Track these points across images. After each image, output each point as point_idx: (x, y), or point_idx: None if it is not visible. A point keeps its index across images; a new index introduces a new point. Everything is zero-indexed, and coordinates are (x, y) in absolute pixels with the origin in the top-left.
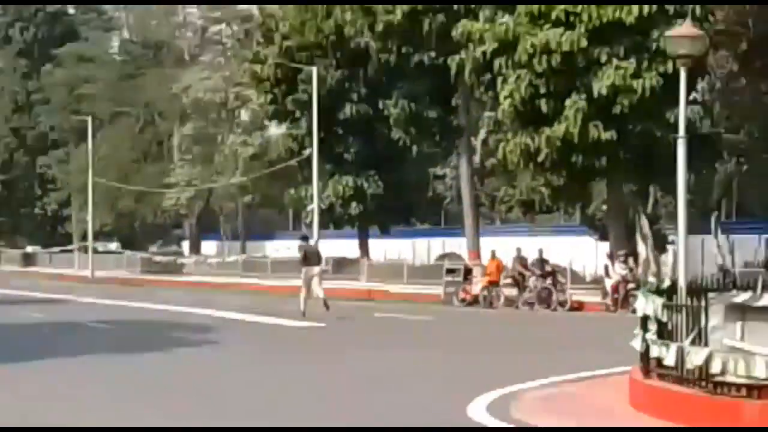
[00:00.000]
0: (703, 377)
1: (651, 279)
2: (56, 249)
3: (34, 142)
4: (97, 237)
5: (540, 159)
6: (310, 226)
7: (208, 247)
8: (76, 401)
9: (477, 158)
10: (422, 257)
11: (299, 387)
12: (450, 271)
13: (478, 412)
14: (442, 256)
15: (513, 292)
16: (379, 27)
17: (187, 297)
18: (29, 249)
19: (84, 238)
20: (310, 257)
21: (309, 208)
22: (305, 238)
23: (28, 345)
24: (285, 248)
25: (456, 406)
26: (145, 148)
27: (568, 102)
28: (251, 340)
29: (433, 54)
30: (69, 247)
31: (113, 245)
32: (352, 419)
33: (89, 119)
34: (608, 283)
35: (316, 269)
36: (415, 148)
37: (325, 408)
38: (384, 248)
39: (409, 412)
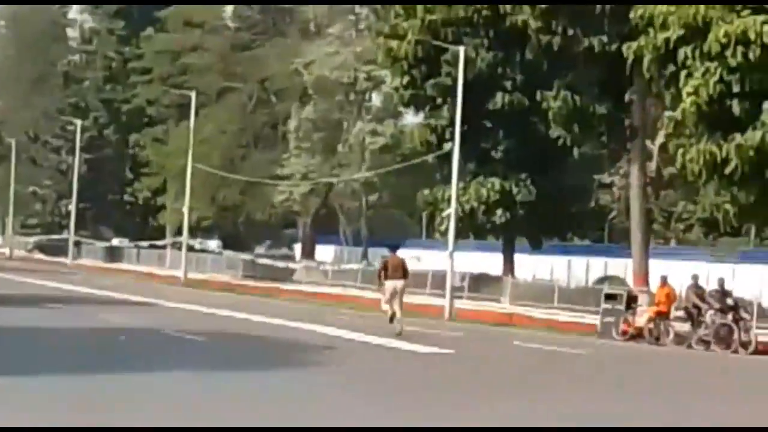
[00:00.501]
0: None
1: None
2: (145, 244)
3: (127, 117)
4: (194, 233)
5: (727, 171)
6: (445, 234)
7: (325, 251)
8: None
9: (653, 166)
10: (579, 279)
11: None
12: (610, 298)
13: None
14: (602, 279)
15: (685, 327)
16: (542, 3)
17: (294, 309)
18: (115, 242)
19: (179, 232)
20: (392, 269)
21: (445, 213)
22: (394, 248)
23: (99, 356)
24: (414, 258)
25: None
26: (257, 131)
27: (766, 105)
28: (357, 365)
29: (605, 38)
30: (160, 243)
31: (213, 243)
32: None
33: (193, 94)
34: None
35: (400, 283)
36: (577, 150)
37: None
38: (533, 266)
39: None
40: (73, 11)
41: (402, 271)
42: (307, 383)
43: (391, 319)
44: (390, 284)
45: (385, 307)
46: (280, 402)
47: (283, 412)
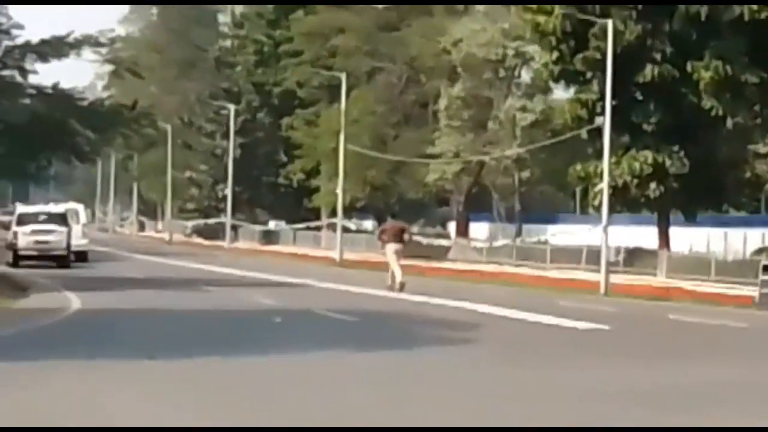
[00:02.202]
0: None
1: None
2: (301, 225)
3: (279, 100)
4: (349, 213)
5: None
6: (598, 209)
7: (478, 229)
8: (296, 402)
9: None
10: (736, 250)
11: (545, 398)
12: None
13: None
14: (760, 251)
15: None
16: None
17: (448, 287)
18: (272, 224)
19: (333, 213)
20: (390, 235)
21: (597, 187)
22: (393, 215)
23: (252, 336)
24: (567, 234)
25: None
26: (407, 110)
27: None
28: (511, 340)
29: (755, 7)
30: (315, 224)
31: (369, 223)
32: None
33: (343, 76)
34: None
35: (398, 246)
36: (730, 120)
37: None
38: (689, 238)
39: None
40: None
41: (400, 236)
42: (458, 360)
43: (393, 277)
44: (390, 247)
45: (393, 267)
46: (433, 381)
47: (436, 391)
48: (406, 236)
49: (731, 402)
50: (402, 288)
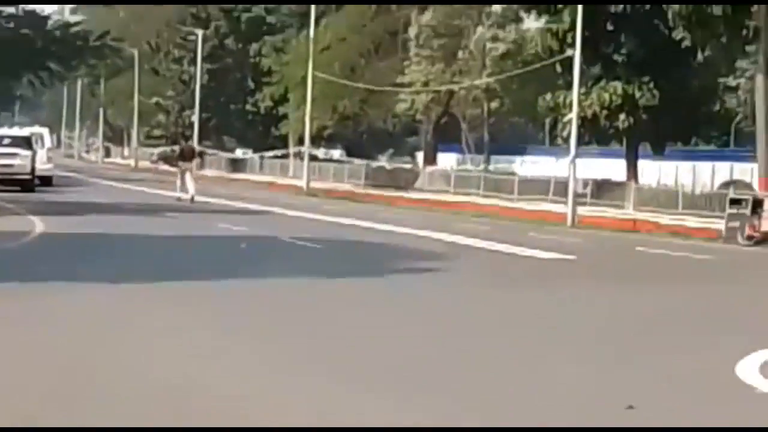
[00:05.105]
0: None
1: None
2: (269, 154)
3: (247, 26)
4: (317, 142)
5: None
6: (567, 140)
7: (447, 159)
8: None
9: None
10: (704, 184)
11: (518, 324)
12: (734, 202)
13: (748, 372)
14: (727, 184)
15: None
16: None
17: (416, 217)
18: (239, 153)
19: (301, 142)
20: (185, 154)
21: (566, 118)
22: (187, 138)
23: (222, 261)
24: (535, 165)
25: (722, 362)
26: (377, 39)
27: None
28: (481, 269)
29: None
30: (283, 152)
31: (337, 152)
32: (581, 370)
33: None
34: None
35: (188, 164)
36: (701, 54)
37: (549, 353)
38: (657, 171)
39: (665, 366)
40: None
41: (191, 156)
42: (422, 284)
43: (182, 194)
44: (182, 165)
45: (179, 183)
46: (397, 302)
47: (401, 311)
48: (197, 159)
49: (695, 326)
50: (192, 201)
